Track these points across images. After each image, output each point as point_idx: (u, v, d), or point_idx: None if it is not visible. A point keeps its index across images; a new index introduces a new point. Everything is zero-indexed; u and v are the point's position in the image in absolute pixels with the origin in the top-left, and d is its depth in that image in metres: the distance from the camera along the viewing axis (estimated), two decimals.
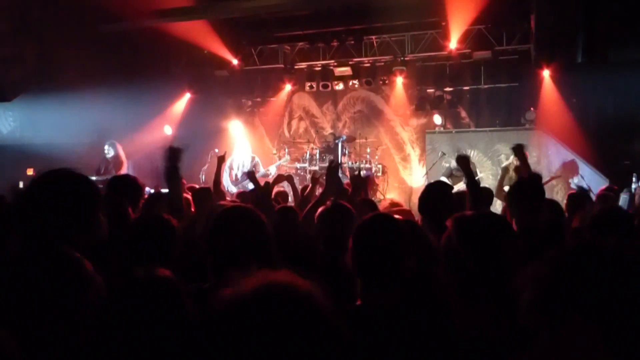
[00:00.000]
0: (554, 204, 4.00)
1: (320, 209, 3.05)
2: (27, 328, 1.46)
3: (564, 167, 9.65)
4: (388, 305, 1.81)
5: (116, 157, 8.93)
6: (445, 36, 10.02)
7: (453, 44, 9.96)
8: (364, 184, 3.57)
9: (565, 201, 5.55)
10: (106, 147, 8.93)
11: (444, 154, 10.05)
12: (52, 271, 1.57)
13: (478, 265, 1.70)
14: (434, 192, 3.32)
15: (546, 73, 9.75)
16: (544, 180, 8.78)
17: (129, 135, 10.36)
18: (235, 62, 11.36)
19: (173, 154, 3.12)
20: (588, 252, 1.04)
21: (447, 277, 1.80)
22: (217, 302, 0.90)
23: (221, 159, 4.97)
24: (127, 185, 3.37)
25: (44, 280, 1.55)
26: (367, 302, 1.86)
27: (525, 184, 3.40)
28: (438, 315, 1.77)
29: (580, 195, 5.47)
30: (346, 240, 1.99)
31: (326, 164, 10.63)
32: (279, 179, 5.29)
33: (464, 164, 3.69)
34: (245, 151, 9.66)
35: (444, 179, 9.14)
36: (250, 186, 5.84)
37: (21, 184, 8.10)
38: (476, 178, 9.07)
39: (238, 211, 2.30)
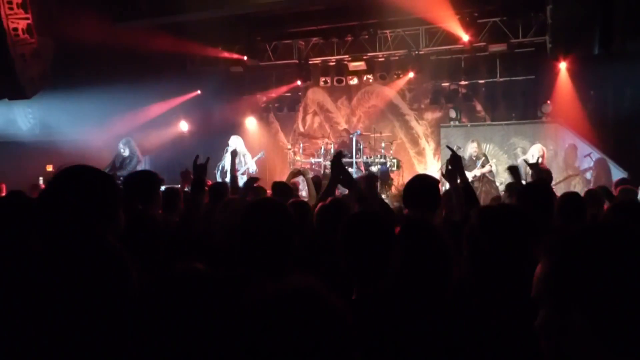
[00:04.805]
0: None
1: (319, 205, 3.04)
2: (74, 319, 1.52)
3: None
4: (378, 297, 1.83)
5: (132, 154, 9.00)
6: (461, 29, 9.96)
7: (468, 37, 9.90)
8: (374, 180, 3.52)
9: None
10: (121, 145, 9.00)
11: (459, 147, 9.99)
12: (98, 261, 1.62)
13: (499, 256, 1.71)
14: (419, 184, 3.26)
15: (563, 65, 9.64)
16: (562, 177, 8.76)
17: (145, 132, 10.47)
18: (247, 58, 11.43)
19: (199, 169, 3.48)
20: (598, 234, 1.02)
21: (467, 267, 1.82)
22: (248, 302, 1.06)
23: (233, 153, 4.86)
24: (140, 182, 3.41)
25: (92, 270, 1.60)
26: (359, 296, 1.89)
27: (534, 189, 3.23)
28: (435, 306, 1.78)
29: (597, 193, 5.41)
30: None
31: None
32: (295, 173, 5.32)
33: (457, 165, 3.41)
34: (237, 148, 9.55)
35: None
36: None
37: (41, 180, 8.25)
38: (490, 169, 9.08)
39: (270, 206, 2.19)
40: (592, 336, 0.93)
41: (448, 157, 3.52)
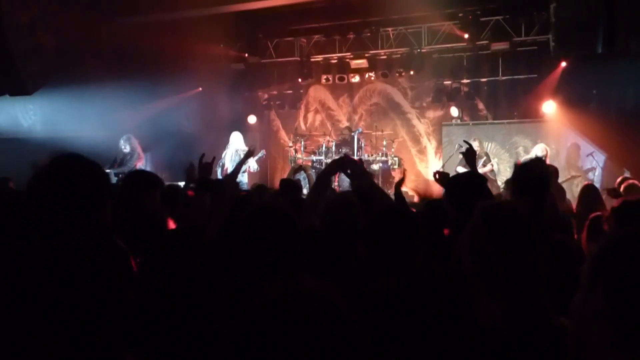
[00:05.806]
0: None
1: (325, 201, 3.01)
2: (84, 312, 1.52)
3: None
4: (394, 290, 1.81)
5: (132, 151, 8.98)
6: (463, 27, 9.93)
7: (470, 35, 9.86)
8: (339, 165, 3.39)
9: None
10: (122, 141, 8.99)
11: (460, 146, 9.95)
12: (107, 259, 1.62)
13: (502, 253, 1.69)
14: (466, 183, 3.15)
15: (565, 64, 9.60)
16: (564, 178, 8.73)
17: (146, 128, 10.46)
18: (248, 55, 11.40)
19: (204, 168, 3.40)
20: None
21: (470, 264, 1.80)
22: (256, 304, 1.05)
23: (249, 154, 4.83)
24: (139, 181, 3.37)
25: (100, 267, 1.60)
26: (376, 288, 1.86)
27: (528, 171, 3.12)
28: (446, 302, 1.76)
29: (593, 188, 5.40)
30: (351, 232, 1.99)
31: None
32: (296, 169, 5.35)
33: (471, 160, 3.66)
34: (237, 145, 9.57)
35: (460, 168, 9.07)
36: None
37: None
38: (492, 168, 9.07)
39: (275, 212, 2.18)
40: (607, 320, 0.94)
41: (451, 154, 3.56)
